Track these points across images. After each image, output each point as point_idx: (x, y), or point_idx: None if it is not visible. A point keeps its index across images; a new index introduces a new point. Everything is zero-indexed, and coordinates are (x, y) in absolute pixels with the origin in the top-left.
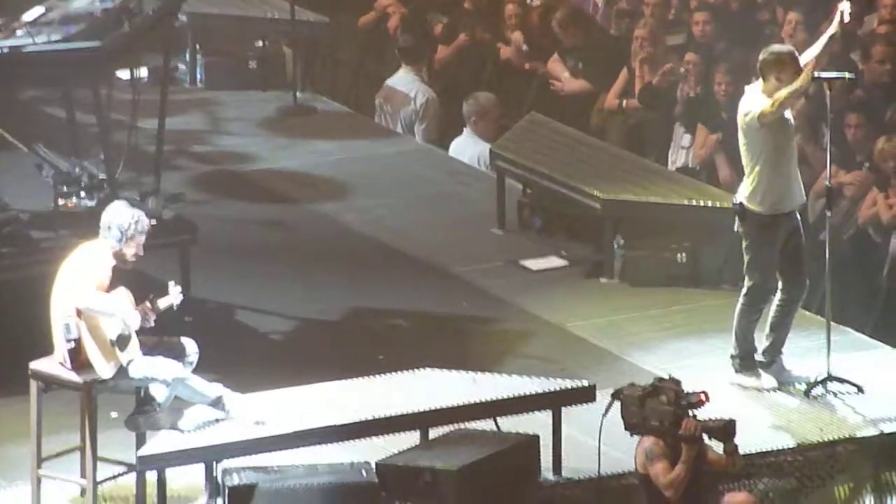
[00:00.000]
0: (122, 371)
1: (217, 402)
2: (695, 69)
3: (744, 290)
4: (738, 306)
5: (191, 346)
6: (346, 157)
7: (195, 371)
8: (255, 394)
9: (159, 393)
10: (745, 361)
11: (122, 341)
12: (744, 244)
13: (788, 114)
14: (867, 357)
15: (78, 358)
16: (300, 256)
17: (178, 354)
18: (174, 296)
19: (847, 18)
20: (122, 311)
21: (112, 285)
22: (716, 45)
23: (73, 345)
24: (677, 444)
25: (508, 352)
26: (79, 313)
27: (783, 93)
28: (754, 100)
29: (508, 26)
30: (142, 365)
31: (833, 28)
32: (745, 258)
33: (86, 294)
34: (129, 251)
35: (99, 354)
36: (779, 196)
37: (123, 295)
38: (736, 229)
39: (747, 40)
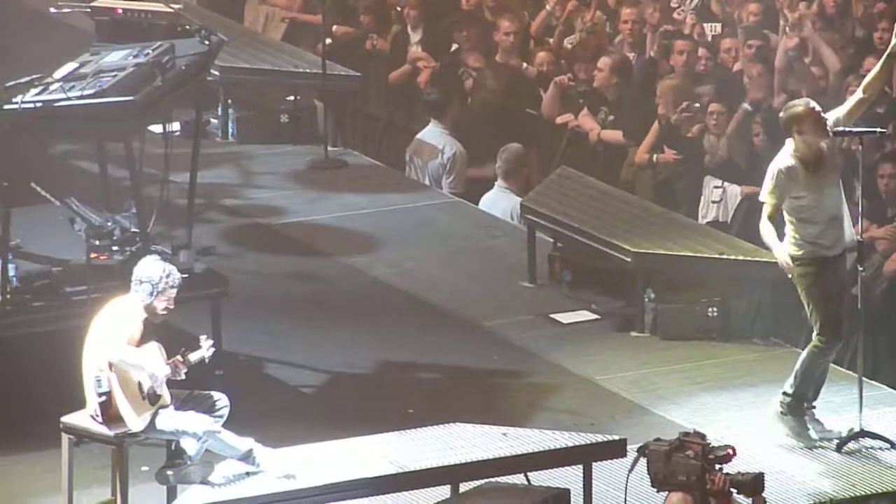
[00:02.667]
0: (152, 424)
1: (247, 456)
2: (720, 119)
3: (815, 333)
4: (809, 346)
5: (221, 399)
6: (376, 211)
7: (226, 425)
8: (286, 448)
9: (190, 447)
10: (795, 402)
11: (152, 395)
12: (800, 293)
13: (808, 186)
14: None
15: (108, 411)
16: (331, 310)
17: (209, 408)
18: (206, 349)
19: None
20: (153, 365)
21: (144, 339)
22: (765, 99)
23: (104, 398)
24: (705, 499)
25: (538, 405)
26: (110, 367)
27: (767, 200)
28: (774, 164)
29: (539, 74)
30: (173, 418)
31: (892, 46)
32: (805, 307)
33: (117, 348)
34: (160, 305)
35: (129, 408)
36: (816, 243)
37: (155, 349)
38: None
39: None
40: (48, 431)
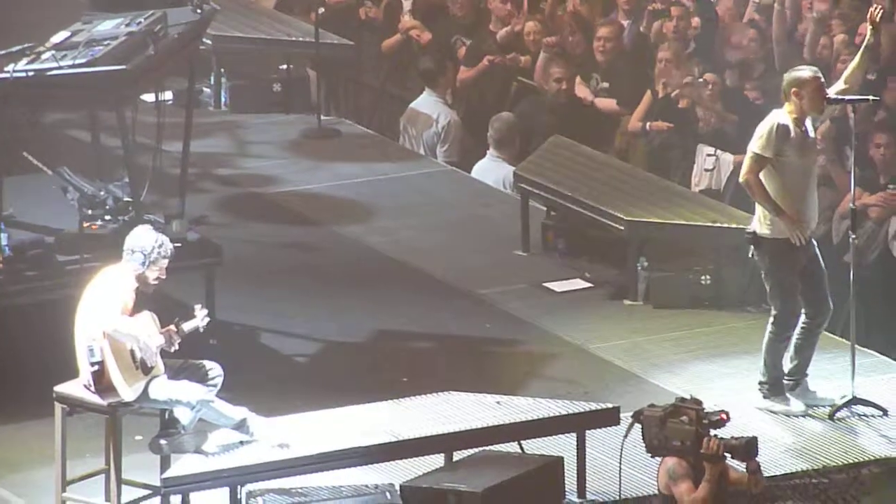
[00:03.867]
0: (145, 394)
1: (241, 425)
2: (714, 88)
3: (770, 319)
4: (767, 334)
5: (215, 369)
6: (370, 180)
7: (219, 394)
8: (279, 417)
9: (184, 416)
10: (773, 388)
11: (145, 365)
12: (762, 273)
13: (799, 149)
14: (892, 379)
15: (101, 381)
16: (324, 279)
17: (203, 377)
18: (200, 319)
19: (878, 19)
20: (147, 335)
21: (137, 308)
22: (756, 64)
23: (96, 368)
24: (699, 464)
25: (532, 374)
26: (103, 336)
27: (749, 177)
28: (768, 121)
29: (528, 43)
30: (166, 388)
31: (867, 38)
32: (766, 287)
33: (110, 317)
34: (152, 275)
35: (122, 378)
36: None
37: (148, 318)
38: (751, 256)
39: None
40: (41, 401)
